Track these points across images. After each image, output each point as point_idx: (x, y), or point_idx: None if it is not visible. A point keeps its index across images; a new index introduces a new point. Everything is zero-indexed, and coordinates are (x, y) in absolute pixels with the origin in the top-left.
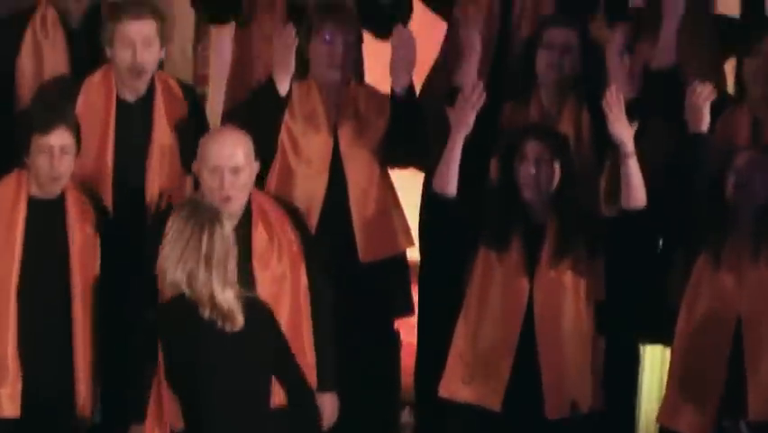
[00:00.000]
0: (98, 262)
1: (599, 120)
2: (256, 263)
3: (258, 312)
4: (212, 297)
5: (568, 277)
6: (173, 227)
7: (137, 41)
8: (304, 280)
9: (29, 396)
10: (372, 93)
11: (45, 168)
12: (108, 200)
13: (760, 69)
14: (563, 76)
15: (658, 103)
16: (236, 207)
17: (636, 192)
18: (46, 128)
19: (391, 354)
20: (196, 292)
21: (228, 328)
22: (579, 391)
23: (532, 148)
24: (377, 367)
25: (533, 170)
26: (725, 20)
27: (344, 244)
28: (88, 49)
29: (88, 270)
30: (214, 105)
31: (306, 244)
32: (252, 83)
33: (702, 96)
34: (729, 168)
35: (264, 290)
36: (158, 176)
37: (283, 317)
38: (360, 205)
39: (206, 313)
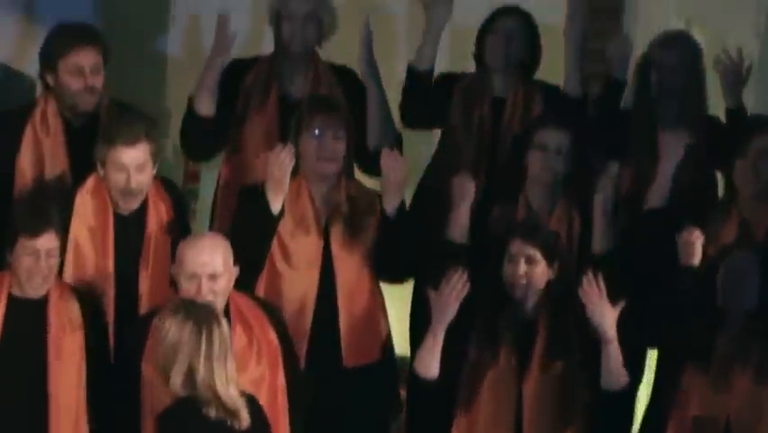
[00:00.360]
0: (81, 365)
1: (589, 222)
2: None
3: (257, 409)
4: (217, 395)
5: (556, 380)
6: (170, 330)
7: (131, 166)
8: (281, 380)
9: None
10: (363, 191)
11: (30, 270)
12: (111, 308)
13: (748, 168)
14: (556, 177)
15: (651, 236)
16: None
17: (616, 377)
18: (33, 232)
19: None
20: (201, 393)
21: (237, 427)
22: None
23: (518, 247)
24: None
25: (521, 270)
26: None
27: (335, 345)
28: (89, 146)
29: (66, 375)
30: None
31: (283, 343)
32: (245, 180)
33: (695, 236)
34: (719, 270)
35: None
36: (152, 282)
37: None
38: (347, 309)
39: (213, 412)
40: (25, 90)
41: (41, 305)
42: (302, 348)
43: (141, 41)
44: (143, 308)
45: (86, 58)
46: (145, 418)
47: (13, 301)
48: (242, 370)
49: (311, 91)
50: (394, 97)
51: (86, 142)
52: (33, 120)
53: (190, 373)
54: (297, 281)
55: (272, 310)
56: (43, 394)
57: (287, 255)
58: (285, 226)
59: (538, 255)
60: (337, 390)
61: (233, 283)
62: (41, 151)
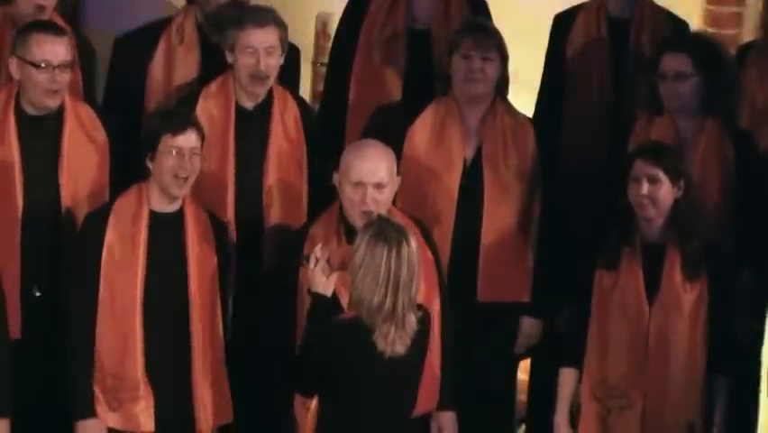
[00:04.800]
0: (215, 273)
1: (741, 147)
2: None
3: (423, 331)
4: (393, 318)
5: (688, 302)
6: (361, 245)
7: (260, 49)
8: (437, 300)
9: (157, 411)
10: (518, 117)
11: (172, 168)
12: (230, 207)
13: None
14: (685, 102)
15: None
16: None
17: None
18: (178, 129)
19: (508, 372)
20: (382, 315)
21: (389, 352)
22: (691, 414)
23: (641, 167)
24: (494, 384)
25: (644, 190)
26: None
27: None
28: (221, 61)
29: (205, 282)
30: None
31: (438, 266)
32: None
33: None
34: None
35: None
36: (274, 184)
37: None
38: (490, 241)
39: (380, 341)
40: None
41: (178, 218)
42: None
43: None
44: (266, 205)
45: None
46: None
47: (153, 217)
48: None
49: (441, 18)
50: None
51: (220, 57)
52: (170, 32)
53: (379, 295)
54: (433, 218)
55: (425, 229)
56: (186, 308)
57: (427, 190)
58: (427, 163)
59: (661, 175)
60: (468, 325)
61: (393, 196)
62: (173, 58)
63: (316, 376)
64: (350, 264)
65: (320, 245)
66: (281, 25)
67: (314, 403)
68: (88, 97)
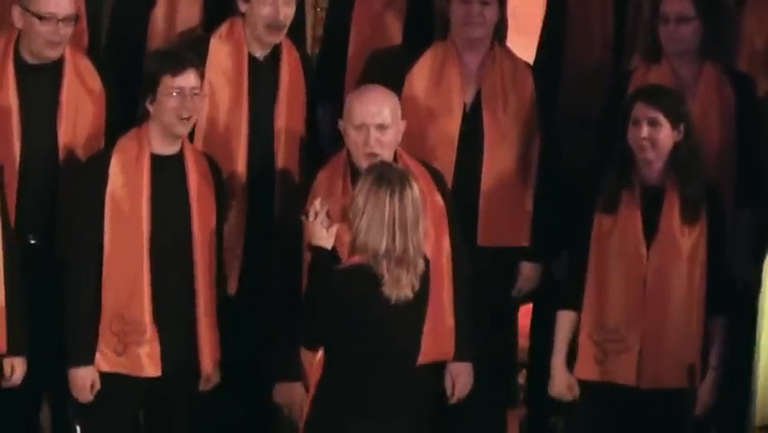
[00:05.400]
0: (214, 214)
1: (740, 90)
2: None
3: (425, 279)
4: (404, 262)
5: (686, 245)
6: (362, 190)
7: None
8: (446, 244)
9: (163, 355)
10: (517, 61)
11: (175, 108)
12: (243, 154)
13: None
14: (686, 45)
15: None
16: None
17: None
18: (179, 69)
19: (508, 316)
20: (394, 259)
21: (395, 297)
22: (691, 359)
23: (641, 110)
24: (497, 333)
25: (644, 132)
26: None
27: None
28: (223, 5)
29: (207, 223)
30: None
31: (449, 210)
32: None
33: None
34: None
35: None
36: (283, 132)
37: None
38: (490, 186)
39: (388, 282)
40: None
41: (179, 160)
42: None
43: None
44: (276, 152)
45: None
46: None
47: (155, 159)
48: None
49: None
50: None
51: (222, 1)
52: None
53: (386, 240)
54: (433, 163)
55: (438, 174)
56: (190, 247)
57: (426, 135)
58: (425, 107)
59: (661, 117)
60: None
61: (400, 139)
62: (175, 4)
63: (321, 327)
64: (351, 210)
65: (319, 198)
66: None
67: (319, 356)
68: (94, 45)
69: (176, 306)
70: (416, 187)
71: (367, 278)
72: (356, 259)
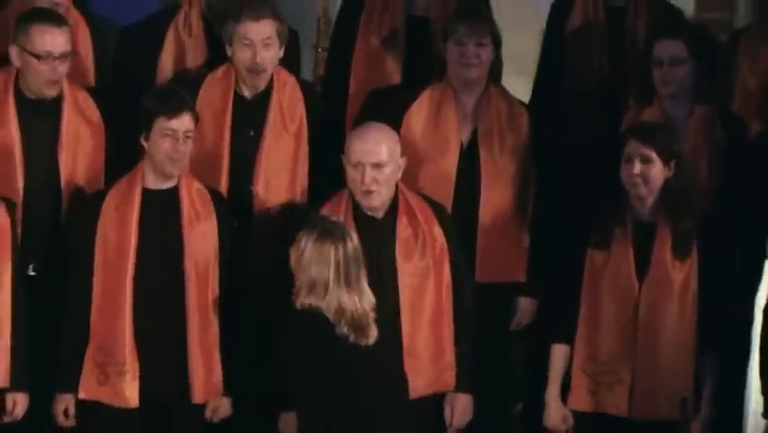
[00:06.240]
0: (214, 248)
1: (731, 130)
2: (399, 255)
3: (395, 320)
4: (347, 311)
5: (678, 279)
6: (308, 247)
7: (257, 41)
8: (447, 277)
9: (146, 385)
10: (512, 102)
11: (167, 150)
12: (225, 183)
13: None
14: (679, 87)
15: None
16: (377, 201)
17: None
18: (174, 112)
19: (506, 349)
20: (335, 309)
21: (362, 343)
22: (683, 390)
23: (634, 147)
24: (492, 362)
25: (636, 169)
26: None
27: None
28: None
29: (201, 257)
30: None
31: (450, 243)
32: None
33: None
34: None
35: (405, 281)
36: (269, 168)
37: (426, 313)
38: (488, 224)
39: (342, 328)
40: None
41: (173, 194)
42: None
43: None
44: (259, 188)
45: None
46: None
47: (147, 194)
48: (406, 259)
49: (439, 6)
50: None
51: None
52: (176, 23)
53: (325, 288)
54: (431, 195)
55: (440, 209)
56: (180, 282)
57: (424, 173)
58: (423, 146)
59: (653, 155)
60: None
61: (399, 176)
62: (182, 48)
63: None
64: (300, 262)
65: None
66: (278, 18)
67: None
68: (101, 83)
69: (164, 339)
70: (356, 239)
71: (320, 318)
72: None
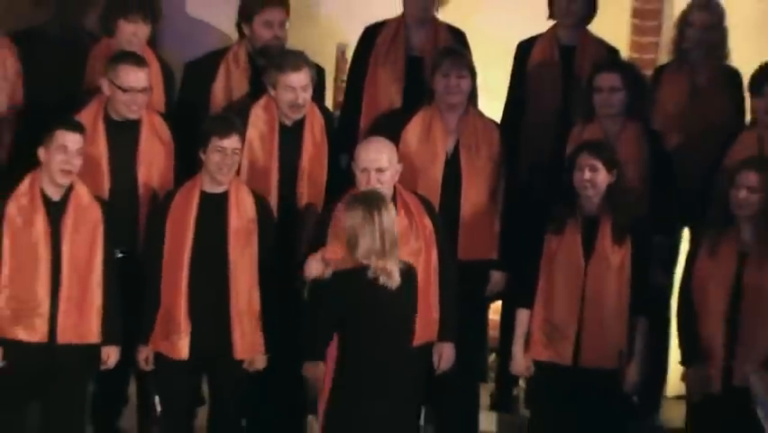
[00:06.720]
0: (255, 245)
1: (654, 143)
2: (398, 241)
3: (410, 275)
4: (385, 264)
5: (616, 260)
6: (348, 216)
7: (297, 87)
8: (434, 256)
9: (195, 344)
10: (485, 121)
11: (217, 162)
12: (274, 196)
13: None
14: (615, 110)
15: None
16: None
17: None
18: (225, 133)
19: (481, 311)
20: (375, 262)
21: (390, 285)
22: (619, 346)
23: (584, 159)
24: (470, 322)
25: (586, 176)
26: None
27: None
28: (261, 81)
29: (244, 252)
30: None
31: (437, 230)
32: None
33: None
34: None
35: (403, 258)
36: (306, 179)
37: (418, 282)
38: (468, 212)
39: (375, 275)
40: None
41: (224, 197)
42: None
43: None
44: (300, 194)
45: (274, 14)
46: None
47: (203, 195)
48: (404, 243)
49: (430, 47)
50: None
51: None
52: (227, 59)
53: (363, 246)
54: (424, 191)
55: (428, 204)
56: (226, 266)
57: (417, 176)
58: (417, 155)
59: (599, 165)
60: None
61: (396, 177)
62: (230, 78)
63: (326, 336)
64: (344, 229)
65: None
66: (312, 66)
67: (321, 368)
68: (169, 107)
69: (212, 308)
70: (391, 207)
71: (364, 274)
72: (350, 264)
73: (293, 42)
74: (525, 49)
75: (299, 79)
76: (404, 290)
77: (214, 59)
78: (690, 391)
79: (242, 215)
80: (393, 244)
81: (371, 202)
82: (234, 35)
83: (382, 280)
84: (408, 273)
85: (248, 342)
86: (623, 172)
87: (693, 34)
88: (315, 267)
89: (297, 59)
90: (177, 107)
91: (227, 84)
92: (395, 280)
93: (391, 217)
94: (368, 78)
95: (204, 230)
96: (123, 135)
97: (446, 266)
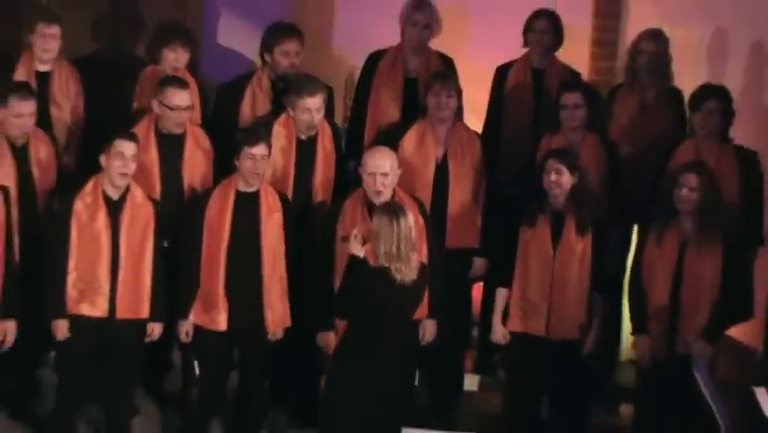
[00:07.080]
0: (282, 235)
1: (610, 151)
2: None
3: (423, 273)
4: (403, 263)
5: (579, 249)
6: (374, 221)
7: (313, 109)
8: (424, 246)
9: (231, 318)
10: (469, 133)
11: (249, 168)
12: (290, 195)
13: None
14: (579, 123)
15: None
16: (383, 198)
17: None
18: (254, 142)
19: (465, 291)
20: (394, 261)
21: (406, 280)
22: (581, 320)
23: (551, 163)
24: (461, 300)
25: (552, 178)
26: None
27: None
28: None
29: (273, 241)
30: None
31: (427, 225)
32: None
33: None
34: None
35: None
36: (319, 184)
37: None
38: (455, 208)
39: (395, 273)
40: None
41: (256, 196)
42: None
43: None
44: (314, 196)
45: (291, 46)
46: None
47: (238, 194)
48: None
49: (424, 71)
50: None
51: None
52: (253, 82)
53: (395, 250)
54: (417, 194)
55: (421, 204)
56: (259, 255)
57: (412, 179)
58: (413, 160)
59: (564, 168)
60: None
61: (396, 181)
62: (255, 98)
63: (352, 302)
64: (373, 231)
65: (357, 228)
66: (325, 91)
67: (332, 336)
68: (205, 123)
69: (246, 288)
70: (410, 215)
71: (385, 272)
72: (376, 262)
73: (310, 67)
74: (502, 72)
75: (314, 102)
76: (416, 285)
77: (241, 83)
78: (640, 356)
79: (270, 209)
80: (409, 247)
81: (394, 211)
82: (258, 62)
83: (398, 277)
84: (422, 270)
85: (278, 316)
86: (584, 175)
87: (643, 60)
88: (354, 247)
89: (313, 86)
90: (210, 122)
91: (253, 103)
92: (409, 278)
93: (409, 225)
94: (371, 96)
95: (238, 222)
96: (171, 146)
97: (434, 257)
